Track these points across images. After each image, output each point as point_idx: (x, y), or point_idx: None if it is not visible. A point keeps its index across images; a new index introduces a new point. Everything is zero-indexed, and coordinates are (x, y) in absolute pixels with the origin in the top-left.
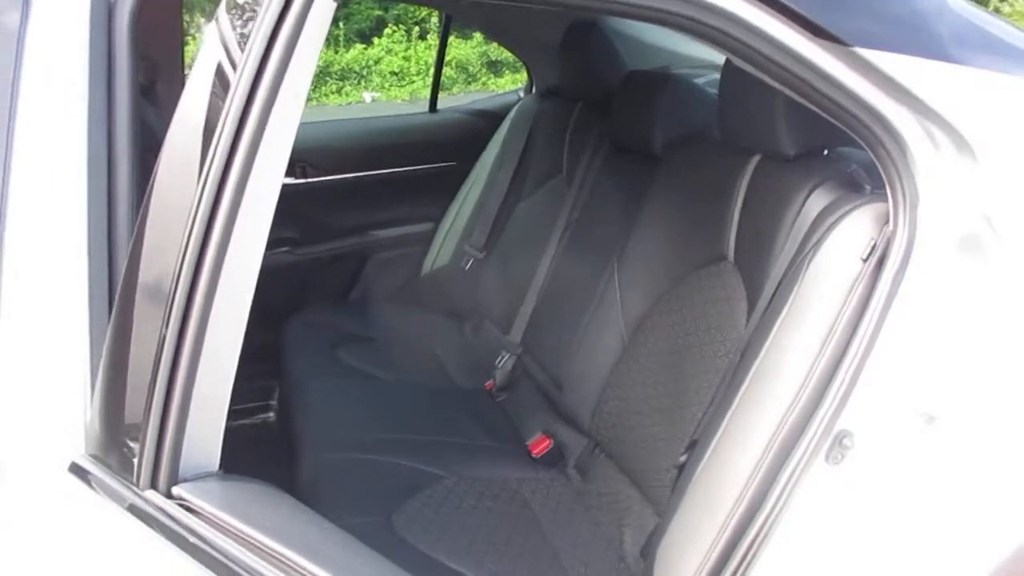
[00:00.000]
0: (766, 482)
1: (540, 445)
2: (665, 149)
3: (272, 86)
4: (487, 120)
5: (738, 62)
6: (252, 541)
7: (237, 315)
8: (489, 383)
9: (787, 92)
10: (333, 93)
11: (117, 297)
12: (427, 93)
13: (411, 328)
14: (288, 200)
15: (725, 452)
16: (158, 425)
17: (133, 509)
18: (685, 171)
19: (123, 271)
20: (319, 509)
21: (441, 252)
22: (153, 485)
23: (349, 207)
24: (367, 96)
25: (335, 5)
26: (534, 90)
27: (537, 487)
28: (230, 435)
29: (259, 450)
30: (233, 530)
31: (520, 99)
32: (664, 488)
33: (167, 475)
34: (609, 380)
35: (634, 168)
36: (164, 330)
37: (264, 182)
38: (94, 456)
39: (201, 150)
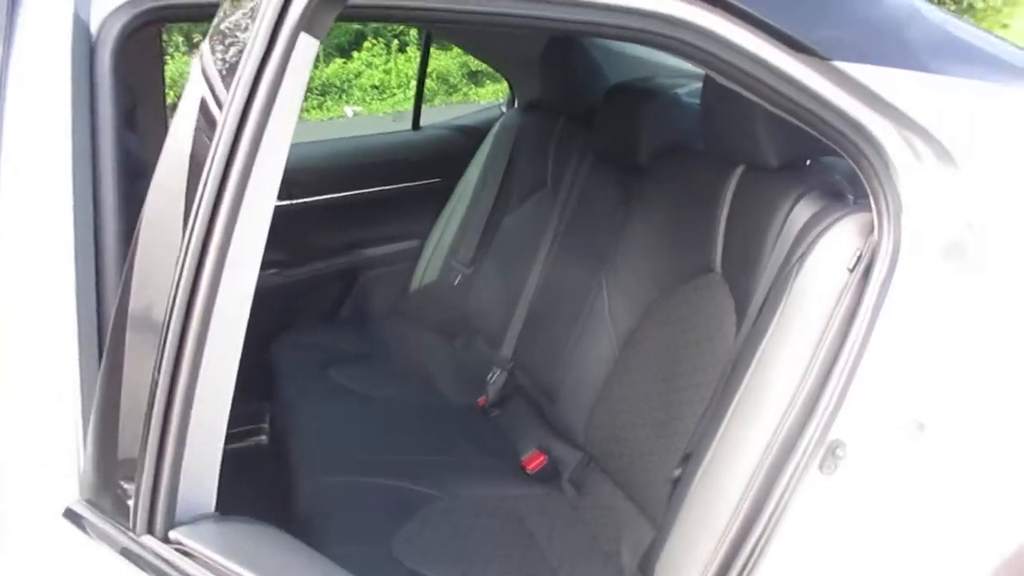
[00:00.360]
0: (761, 495)
1: (535, 461)
2: (650, 161)
3: (258, 125)
4: (470, 136)
5: (719, 78)
6: None
7: (230, 353)
8: (482, 399)
9: (768, 106)
10: (314, 108)
11: (108, 339)
12: (408, 106)
13: (401, 345)
14: (275, 222)
15: (719, 466)
16: (153, 468)
17: (130, 555)
18: (670, 183)
19: (112, 311)
20: (317, 536)
21: (429, 269)
22: (150, 530)
23: (336, 227)
24: (348, 110)
25: (318, 43)
26: (516, 104)
27: (533, 503)
28: (223, 460)
29: (253, 474)
30: (234, 575)
31: (503, 114)
32: (659, 501)
33: (163, 519)
34: (601, 394)
35: (619, 180)
36: (157, 374)
37: (254, 217)
38: (89, 501)
39: (189, 188)
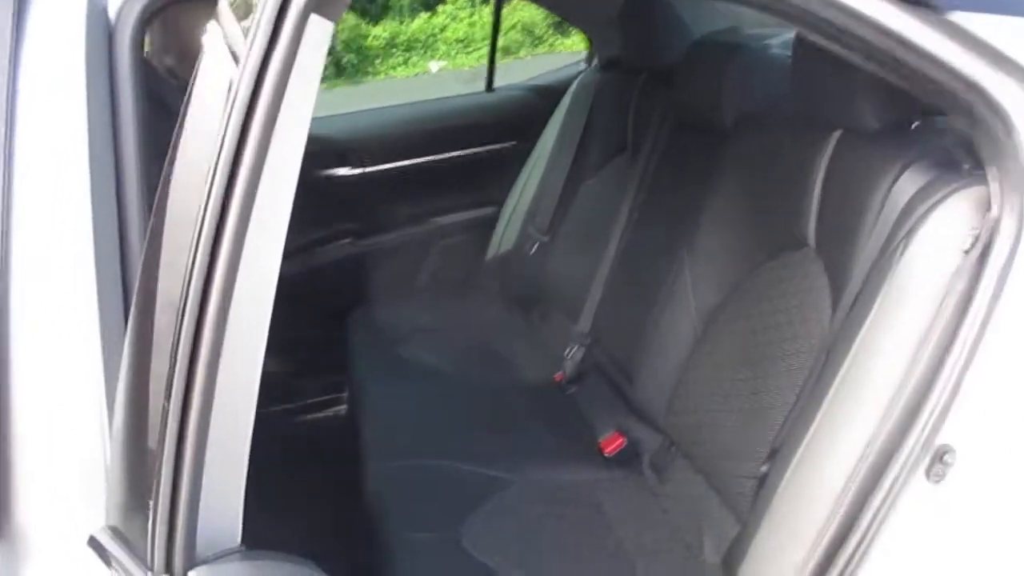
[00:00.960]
0: (858, 502)
1: (613, 443)
2: (735, 124)
3: (268, 119)
4: (545, 97)
5: (816, 38)
6: None
7: (250, 359)
8: (559, 375)
9: (872, 69)
10: (400, 65)
11: (127, 344)
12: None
13: (476, 318)
14: (348, 191)
15: (810, 466)
16: (169, 496)
17: None
18: (758, 149)
19: (131, 328)
20: (386, 523)
21: (505, 236)
22: (168, 569)
23: (409, 195)
24: (433, 66)
25: (333, 25)
26: (595, 62)
27: (611, 488)
28: (304, 430)
29: (332, 445)
30: None
31: (581, 72)
32: (744, 496)
33: (183, 556)
34: (683, 375)
35: (703, 145)
36: (167, 402)
37: (266, 221)
38: (113, 529)
39: (203, 180)
